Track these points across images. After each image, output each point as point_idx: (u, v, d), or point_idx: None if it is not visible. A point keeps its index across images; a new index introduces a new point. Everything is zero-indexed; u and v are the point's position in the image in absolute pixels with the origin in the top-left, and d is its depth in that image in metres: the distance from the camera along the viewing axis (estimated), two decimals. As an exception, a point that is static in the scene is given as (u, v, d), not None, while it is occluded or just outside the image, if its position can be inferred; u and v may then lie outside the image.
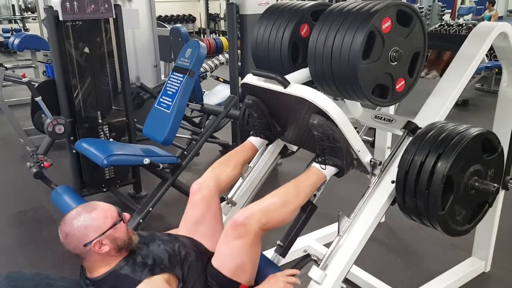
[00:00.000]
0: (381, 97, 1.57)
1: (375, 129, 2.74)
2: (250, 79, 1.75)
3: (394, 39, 1.48)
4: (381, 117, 1.85)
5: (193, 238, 1.60)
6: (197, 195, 1.65)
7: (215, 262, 1.45)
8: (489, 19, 9.80)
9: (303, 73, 1.68)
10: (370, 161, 1.64)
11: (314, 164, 1.63)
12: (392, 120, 1.80)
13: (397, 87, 1.57)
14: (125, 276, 1.36)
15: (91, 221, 1.34)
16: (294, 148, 2.05)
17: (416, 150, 1.47)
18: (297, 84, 1.58)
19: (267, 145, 1.94)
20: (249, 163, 1.96)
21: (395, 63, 1.51)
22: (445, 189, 1.41)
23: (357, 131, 2.08)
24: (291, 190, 1.54)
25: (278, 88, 1.59)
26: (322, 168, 1.60)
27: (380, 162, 1.64)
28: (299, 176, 1.61)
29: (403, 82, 1.58)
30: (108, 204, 1.42)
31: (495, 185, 1.47)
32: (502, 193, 2.22)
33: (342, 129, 1.53)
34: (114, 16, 3.01)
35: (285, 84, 1.56)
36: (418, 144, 1.48)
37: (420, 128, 1.65)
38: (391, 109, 2.55)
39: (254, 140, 1.88)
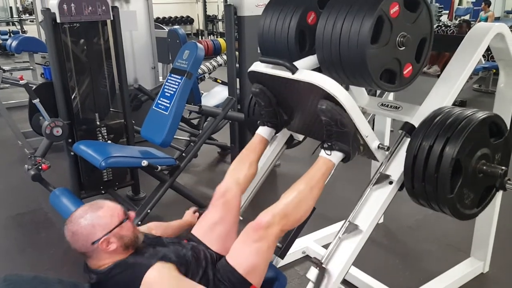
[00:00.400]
0: (389, 82, 1.58)
1: (373, 121, 2.75)
2: (257, 67, 1.75)
3: (402, 24, 1.49)
4: (388, 105, 1.86)
5: (202, 241, 1.61)
6: (222, 199, 1.68)
7: (231, 260, 1.46)
8: (486, 20, 9.82)
9: (311, 60, 1.69)
10: (378, 146, 1.65)
11: (321, 154, 1.64)
12: (399, 107, 1.81)
13: (404, 72, 1.58)
14: (133, 263, 1.38)
15: (98, 220, 1.36)
16: (300, 137, 2.05)
17: (425, 135, 1.48)
18: (305, 70, 1.59)
19: (275, 134, 1.94)
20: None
21: (403, 48, 1.52)
22: (453, 173, 1.43)
23: None
24: (304, 187, 1.56)
25: (286, 74, 1.60)
26: (328, 155, 1.60)
27: (388, 147, 1.65)
28: (309, 170, 1.62)
29: (411, 67, 1.59)
30: (114, 203, 1.45)
31: (503, 168, 1.50)
32: (500, 194, 2.22)
33: (351, 114, 1.54)
34: (112, 18, 3.01)
35: (293, 70, 1.57)
36: (426, 129, 1.49)
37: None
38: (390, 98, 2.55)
39: (262, 132, 1.88)
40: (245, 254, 1.46)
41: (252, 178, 1.82)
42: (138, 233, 1.46)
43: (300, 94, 1.65)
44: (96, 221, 1.36)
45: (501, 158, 1.57)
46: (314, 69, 1.66)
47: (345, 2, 1.51)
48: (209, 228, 1.64)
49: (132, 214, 1.47)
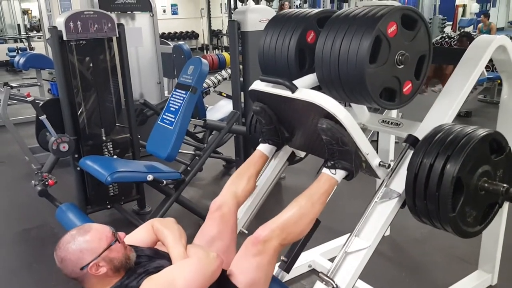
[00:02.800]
0: (389, 100, 1.59)
1: (377, 133, 2.75)
2: (257, 85, 1.77)
3: (400, 43, 1.51)
4: (388, 121, 1.86)
5: None
6: (217, 213, 1.67)
7: (231, 275, 1.45)
8: (488, 33, 9.83)
9: (311, 79, 1.71)
10: (379, 163, 1.65)
11: (324, 171, 1.64)
12: (400, 124, 1.82)
13: (404, 90, 1.59)
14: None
15: (86, 244, 1.32)
16: (302, 154, 2.06)
17: (425, 153, 1.48)
18: (304, 89, 1.60)
19: (276, 151, 1.95)
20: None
21: (402, 66, 1.53)
22: (455, 191, 1.42)
23: None
24: (306, 203, 1.55)
25: (286, 93, 1.61)
26: (332, 173, 1.61)
27: (389, 165, 1.65)
28: (311, 186, 1.62)
29: (410, 84, 1.60)
30: (102, 225, 1.40)
31: (505, 185, 1.49)
32: (506, 206, 2.21)
33: (351, 132, 1.54)
34: (118, 35, 3.06)
35: (293, 89, 1.58)
36: (427, 146, 1.49)
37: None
38: (393, 115, 2.56)
39: (263, 148, 1.89)
40: (245, 269, 1.44)
41: (250, 192, 1.81)
42: (130, 253, 1.41)
43: (300, 113, 1.67)
44: (84, 246, 1.32)
45: (503, 174, 1.55)
46: (314, 87, 1.68)
47: (343, 22, 1.52)
48: (207, 243, 1.62)
49: (121, 235, 1.43)
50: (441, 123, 1.71)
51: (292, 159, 2.07)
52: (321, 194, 1.58)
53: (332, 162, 1.61)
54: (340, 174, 1.62)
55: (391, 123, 1.85)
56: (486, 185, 1.49)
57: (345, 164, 1.60)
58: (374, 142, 2.78)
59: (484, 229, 1.60)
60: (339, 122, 1.52)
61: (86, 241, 1.33)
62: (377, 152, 2.71)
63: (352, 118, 1.55)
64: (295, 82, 1.63)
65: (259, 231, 1.47)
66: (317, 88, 1.68)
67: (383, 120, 1.89)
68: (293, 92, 1.58)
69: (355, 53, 1.45)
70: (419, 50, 1.58)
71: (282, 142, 1.89)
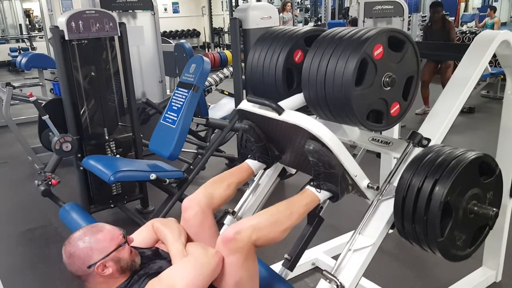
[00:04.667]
0: (376, 122, 1.56)
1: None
2: (245, 105, 1.75)
3: (387, 65, 1.48)
4: (378, 140, 1.84)
5: None
6: (189, 211, 1.62)
7: (214, 281, 1.42)
8: (492, 26, 9.78)
9: (298, 99, 1.68)
10: (368, 185, 1.63)
11: (309, 187, 1.62)
12: (390, 142, 1.79)
13: (391, 111, 1.56)
14: None
15: (97, 243, 1.34)
16: (293, 170, 2.05)
17: (413, 174, 1.45)
18: (291, 111, 1.58)
19: (265, 169, 1.94)
20: (246, 183, 1.95)
21: (389, 88, 1.50)
22: (443, 215, 1.39)
23: (354, 154, 2.09)
24: (284, 210, 1.52)
25: (273, 115, 1.60)
26: (317, 192, 1.59)
27: (378, 187, 1.63)
28: (293, 196, 1.60)
29: (398, 106, 1.57)
30: (113, 226, 1.42)
31: (494, 209, 1.45)
32: (511, 202, 2.20)
33: (337, 155, 1.52)
34: (119, 34, 3.06)
35: (280, 111, 1.56)
36: (415, 168, 1.46)
37: (426, 138, 1.64)
38: (395, 129, 2.54)
39: (251, 163, 1.86)
40: (224, 270, 1.41)
41: (226, 200, 1.74)
42: (136, 256, 1.42)
43: (288, 133, 1.65)
44: (94, 245, 1.34)
45: (493, 196, 1.52)
46: (302, 107, 1.65)
47: (330, 43, 1.50)
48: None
49: (131, 238, 1.44)
50: (445, 120, 1.71)
51: (283, 175, 2.06)
52: (301, 206, 1.55)
53: (317, 183, 1.60)
54: (324, 194, 1.60)
55: (381, 141, 1.83)
56: (475, 208, 1.45)
57: (330, 186, 1.58)
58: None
59: (474, 251, 1.57)
60: (326, 145, 1.50)
61: (97, 240, 1.35)
62: (379, 162, 2.72)
63: (338, 141, 1.53)
64: (282, 102, 1.62)
65: (228, 230, 1.44)
66: (305, 107, 1.66)
67: (373, 138, 1.86)
68: (279, 114, 1.57)
69: (341, 75, 1.42)
70: (406, 71, 1.55)
71: (272, 160, 1.87)
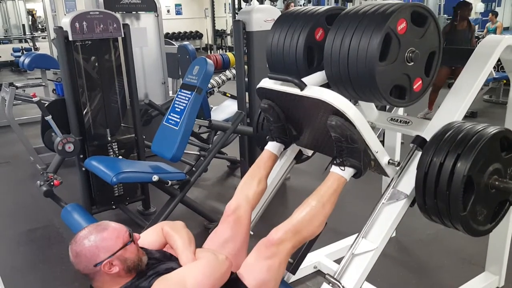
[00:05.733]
0: (399, 97, 1.58)
1: (383, 133, 2.74)
2: (265, 83, 1.76)
3: (410, 40, 1.49)
4: (397, 119, 1.85)
5: None
6: (232, 216, 1.67)
7: (242, 275, 1.45)
8: (494, 31, 9.77)
9: (319, 76, 1.70)
10: (388, 161, 1.64)
11: (333, 169, 1.63)
12: (409, 122, 1.80)
13: (414, 87, 1.57)
14: None
15: (102, 242, 1.34)
16: (309, 152, 2.04)
17: (435, 151, 1.46)
18: (313, 86, 1.59)
19: (284, 149, 1.95)
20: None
21: (412, 63, 1.52)
22: (465, 190, 1.41)
23: None
24: (317, 204, 1.55)
25: (295, 90, 1.60)
26: (341, 170, 1.60)
27: (398, 163, 1.64)
28: (320, 186, 1.61)
29: (420, 82, 1.58)
30: (120, 224, 1.42)
31: None
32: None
33: (360, 130, 1.53)
34: (123, 35, 3.06)
35: (302, 86, 1.57)
36: (437, 144, 1.47)
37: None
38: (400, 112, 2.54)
39: (271, 147, 1.88)
40: (256, 271, 1.45)
41: (261, 194, 1.82)
42: (142, 255, 1.43)
43: (309, 110, 1.66)
44: (100, 243, 1.34)
45: None
46: (322, 85, 1.66)
47: (352, 19, 1.51)
48: (220, 245, 1.63)
49: (137, 236, 1.45)
50: (458, 110, 1.70)
51: (299, 158, 2.06)
52: (330, 195, 1.58)
53: (341, 160, 1.60)
54: (348, 171, 1.61)
55: (400, 121, 1.84)
56: (496, 183, 1.47)
57: (353, 162, 1.59)
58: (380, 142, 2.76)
59: (495, 227, 1.59)
60: (349, 120, 1.51)
61: (103, 238, 1.35)
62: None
63: (361, 116, 1.54)
64: (303, 79, 1.62)
65: (272, 234, 1.47)
66: (326, 85, 1.66)
67: (391, 118, 1.87)
68: (302, 89, 1.57)
69: (365, 51, 1.43)
70: (429, 46, 1.57)
71: (290, 141, 1.89)
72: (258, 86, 1.80)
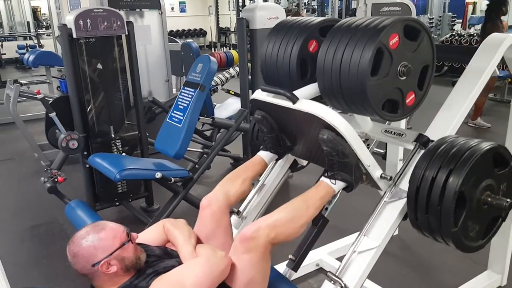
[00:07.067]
0: (391, 111, 1.56)
1: (386, 144, 2.73)
2: (259, 95, 1.76)
3: (403, 54, 1.48)
4: (391, 131, 1.84)
5: None
6: (207, 210, 1.64)
7: (226, 278, 1.43)
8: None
9: (312, 88, 1.69)
10: (381, 176, 1.63)
11: (323, 179, 1.62)
12: (402, 134, 1.79)
13: (407, 101, 1.56)
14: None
15: (100, 242, 1.35)
16: (304, 162, 2.04)
17: (427, 165, 1.45)
18: (305, 100, 1.58)
19: (277, 160, 1.94)
20: (260, 176, 1.96)
21: (404, 77, 1.50)
22: (457, 205, 1.39)
23: (368, 145, 2.08)
24: (300, 205, 1.53)
25: (287, 103, 1.60)
26: (332, 183, 1.60)
27: (391, 177, 1.63)
28: (308, 190, 1.61)
29: (413, 95, 1.57)
30: (117, 224, 1.43)
31: (508, 200, 1.45)
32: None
33: (352, 144, 1.52)
34: (127, 33, 3.07)
35: (294, 100, 1.57)
36: (429, 159, 1.46)
37: (432, 141, 1.64)
38: (402, 122, 2.54)
39: (263, 155, 1.88)
40: (237, 269, 1.42)
41: (243, 195, 1.77)
42: (140, 254, 1.42)
43: (301, 123, 1.65)
44: (98, 243, 1.34)
45: (506, 187, 1.52)
46: (315, 97, 1.65)
47: (345, 32, 1.49)
48: (203, 242, 1.60)
49: (134, 235, 1.45)
50: (452, 123, 1.70)
51: (294, 167, 2.06)
52: (317, 199, 1.56)
53: (332, 173, 1.60)
54: (339, 185, 1.60)
55: (394, 133, 1.82)
56: (489, 199, 1.45)
57: (344, 176, 1.58)
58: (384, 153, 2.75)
59: (487, 243, 1.57)
60: (340, 134, 1.50)
61: (100, 238, 1.35)
62: (385, 164, 2.71)
63: (353, 130, 1.53)
64: (296, 92, 1.61)
65: (246, 228, 1.45)
66: (319, 97, 1.66)
67: (386, 130, 1.86)
68: (294, 103, 1.57)
69: (357, 65, 1.42)
70: (422, 60, 1.55)
71: (284, 151, 1.88)
72: (251, 97, 1.80)
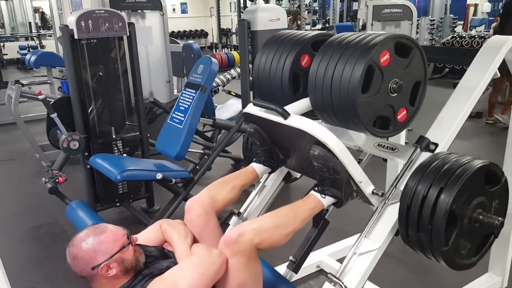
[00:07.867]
0: (383, 128, 1.55)
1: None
2: (251, 109, 1.75)
3: (394, 71, 1.47)
4: (384, 145, 1.82)
5: None
6: (192, 212, 1.64)
7: (216, 283, 1.42)
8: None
9: (304, 103, 1.68)
10: (372, 191, 1.63)
11: (313, 192, 1.61)
12: (395, 148, 1.78)
13: (398, 117, 1.55)
14: None
15: (100, 245, 1.34)
16: (298, 174, 2.04)
17: (418, 182, 1.44)
18: (296, 116, 1.58)
19: (270, 173, 1.93)
20: (252, 185, 1.96)
21: (396, 94, 1.49)
22: (448, 223, 1.38)
23: (360, 159, 2.08)
24: (288, 214, 1.52)
25: (279, 119, 1.59)
26: (322, 197, 1.59)
27: (382, 193, 1.62)
28: (298, 201, 1.60)
29: (405, 111, 1.56)
30: (117, 227, 1.42)
31: (499, 219, 1.44)
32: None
33: (343, 160, 1.51)
34: (128, 34, 3.08)
35: (285, 115, 1.56)
36: (421, 176, 1.45)
37: (433, 143, 1.64)
38: (402, 133, 2.52)
39: (256, 167, 1.87)
40: (227, 274, 1.41)
41: (229, 202, 1.74)
42: (140, 255, 1.43)
43: (293, 138, 1.64)
44: (98, 246, 1.34)
45: (498, 204, 1.51)
46: (308, 112, 1.65)
47: (337, 48, 1.49)
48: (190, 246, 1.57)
49: (134, 238, 1.45)
50: (452, 126, 1.69)
51: (288, 179, 2.05)
52: (305, 210, 1.55)
53: (322, 188, 1.59)
54: (328, 200, 1.59)
55: (387, 147, 1.82)
56: (481, 217, 1.44)
57: (335, 192, 1.57)
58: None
59: (479, 260, 1.56)
60: (331, 151, 1.50)
61: (100, 241, 1.35)
62: (386, 166, 2.70)
63: (344, 147, 1.52)
64: (288, 107, 1.61)
65: (230, 232, 1.44)
66: (311, 112, 1.65)
67: (379, 144, 1.85)
68: (285, 118, 1.56)
69: (347, 82, 1.41)
70: (414, 76, 1.54)
71: (277, 164, 1.87)
72: (244, 111, 1.80)
